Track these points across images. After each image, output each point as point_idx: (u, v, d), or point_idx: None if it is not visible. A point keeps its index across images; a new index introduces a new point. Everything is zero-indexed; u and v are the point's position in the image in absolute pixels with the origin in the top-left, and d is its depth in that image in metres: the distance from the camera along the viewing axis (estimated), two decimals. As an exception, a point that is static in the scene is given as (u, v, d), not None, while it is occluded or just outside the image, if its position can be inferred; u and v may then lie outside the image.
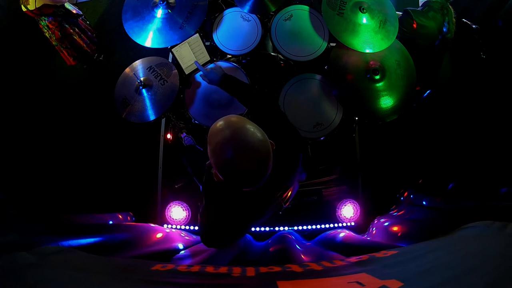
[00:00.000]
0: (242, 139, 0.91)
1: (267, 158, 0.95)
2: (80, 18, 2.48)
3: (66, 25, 2.32)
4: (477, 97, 2.07)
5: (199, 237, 2.14)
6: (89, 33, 2.55)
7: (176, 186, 2.31)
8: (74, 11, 2.39)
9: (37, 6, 2.09)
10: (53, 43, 2.37)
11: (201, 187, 1.66)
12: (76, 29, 2.41)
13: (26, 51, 2.46)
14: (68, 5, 2.33)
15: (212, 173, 1.00)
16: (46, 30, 2.31)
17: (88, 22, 2.60)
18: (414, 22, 1.98)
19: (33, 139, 2.31)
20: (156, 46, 1.88)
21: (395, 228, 1.83)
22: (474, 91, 2.10)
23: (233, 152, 0.90)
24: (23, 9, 2.15)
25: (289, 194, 1.34)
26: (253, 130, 0.94)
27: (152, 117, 1.88)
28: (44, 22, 2.26)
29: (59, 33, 2.30)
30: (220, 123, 0.95)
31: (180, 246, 1.72)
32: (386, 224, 1.96)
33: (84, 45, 2.48)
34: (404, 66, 1.92)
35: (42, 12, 2.17)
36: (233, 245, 1.57)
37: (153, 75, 1.96)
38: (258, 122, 1.02)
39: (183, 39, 1.87)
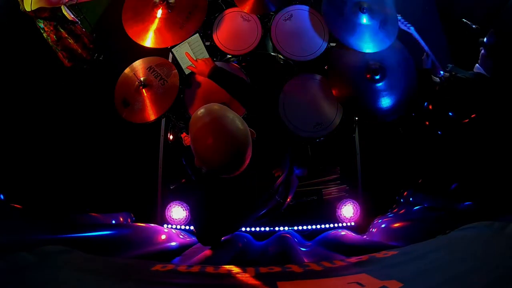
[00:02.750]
0: (221, 126, 0.95)
1: (245, 145, 0.99)
2: (77, 24, 2.47)
3: (61, 29, 2.31)
4: (476, 97, 2.07)
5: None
6: (85, 40, 2.53)
7: (171, 187, 2.31)
8: (70, 17, 2.38)
9: (32, 9, 2.09)
10: (50, 44, 2.37)
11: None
12: (71, 33, 2.40)
13: (26, 51, 2.45)
14: (65, 11, 2.32)
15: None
16: (42, 32, 2.31)
17: (84, 30, 2.59)
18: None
19: (33, 139, 2.30)
20: (156, 46, 1.88)
21: (395, 228, 1.83)
22: (474, 91, 2.10)
23: (212, 138, 0.94)
24: (22, 8, 2.14)
25: (282, 187, 1.35)
26: (232, 117, 0.99)
27: (152, 117, 1.88)
28: (40, 25, 2.26)
29: (54, 36, 2.30)
30: (201, 110, 0.99)
31: (173, 244, 1.72)
32: (386, 224, 1.96)
33: (79, 49, 2.47)
34: (404, 66, 1.92)
35: (38, 15, 2.17)
36: (230, 245, 1.57)
37: (153, 75, 1.96)
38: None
39: (183, 39, 1.87)
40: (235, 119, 0.99)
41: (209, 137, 0.94)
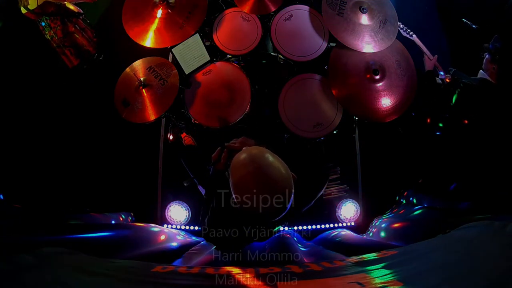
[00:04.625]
0: (266, 177, 0.93)
1: (289, 194, 0.97)
2: (80, 18, 2.47)
3: (68, 23, 2.31)
4: (476, 97, 2.07)
5: (198, 238, 2.14)
6: (89, 33, 2.54)
7: (185, 184, 2.28)
8: (76, 9, 2.38)
9: (38, 4, 2.08)
10: (54, 45, 2.36)
11: (200, 188, 1.65)
12: (77, 27, 2.40)
13: (26, 53, 2.45)
14: (69, 4, 2.32)
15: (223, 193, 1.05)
16: (47, 32, 2.30)
17: (88, 21, 2.60)
18: None
19: (34, 139, 2.30)
20: (156, 46, 1.88)
21: (395, 228, 1.83)
22: (474, 91, 2.10)
23: (257, 189, 0.92)
24: (23, 11, 2.13)
25: None
26: (276, 165, 0.96)
27: (152, 117, 1.88)
28: (45, 22, 2.25)
29: (61, 32, 2.29)
30: (243, 156, 0.97)
31: (174, 244, 1.72)
32: (386, 224, 1.96)
33: (85, 43, 2.47)
34: (404, 66, 1.92)
35: (44, 11, 2.16)
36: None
37: (153, 75, 1.96)
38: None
39: (183, 39, 1.87)
40: (279, 166, 0.97)
41: (253, 187, 0.92)
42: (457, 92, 1.90)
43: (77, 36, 2.39)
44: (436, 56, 2.01)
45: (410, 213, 1.94)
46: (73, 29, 2.34)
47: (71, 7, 2.34)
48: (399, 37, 1.97)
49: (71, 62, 2.48)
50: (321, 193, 1.30)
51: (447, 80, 1.98)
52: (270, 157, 0.98)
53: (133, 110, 1.91)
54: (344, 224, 2.32)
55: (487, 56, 1.84)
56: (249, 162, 0.95)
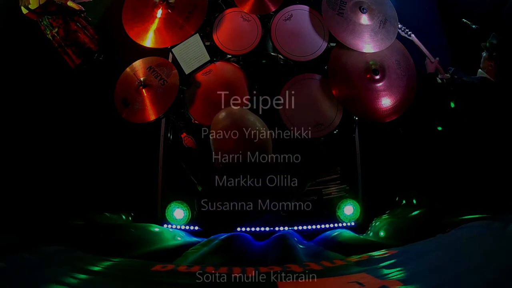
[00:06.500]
0: (242, 130, 0.98)
1: (266, 147, 1.02)
2: (82, 16, 2.47)
3: (71, 21, 2.30)
4: (477, 97, 2.07)
5: (198, 238, 2.14)
6: (91, 31, 2.54)
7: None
8: (77, 7, 2.38)
9: (40, 3, 2.08)
10: (56, 44, 2.36)
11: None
12: (79, 25, 2.40)
13: (27, 54, 2.45)
14: (70, 2, 2.32)
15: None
16: (48, 31, 2.29)
17: (90, 19, 2.59)
18: None
19: (33, 139, 2.30)
20: (156, 46, 1.88)
21: (394, 228, 1.83)
22: (474, 91, 2.10)
23: (233, 142, 0.97)
24: (24, 11, 2.13)
25: None
26: (253, 120, 1.02)
27: (152, 117, 1.88)
28: (46, 21, 2.24)
29: (63, 30, 2.29)
30: (222, 113, 1.03)
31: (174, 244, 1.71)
32: (385, 223, 1.96)
33: (88, 41, 2.47)
34: (404, 66, 1.92)
35: (46, 10, 2.16)
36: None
37: (153, 75, 1.96)
38: None
39: (183, 39, 1.87)
40: (256, 122, 1.02)
41: (230, 140, 0.97)
42: (455, 93, 1.90)
43: (79, 34, 2.39)
44: (437, 58, 2.01)
45: (410, 213, 1.94)
46: (75, 27, 2.34)
47: (73, 5, 2.33)
48: (399, 37, 1.98)
49: (73, 61, 2.47)
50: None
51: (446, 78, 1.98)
52: (248, 114, 1.04)
53: (133, 110, 1.91)
54: (344, 224, 2.32)
55: (484, 54, 1.85)
56: (227, 117, 1.01)
